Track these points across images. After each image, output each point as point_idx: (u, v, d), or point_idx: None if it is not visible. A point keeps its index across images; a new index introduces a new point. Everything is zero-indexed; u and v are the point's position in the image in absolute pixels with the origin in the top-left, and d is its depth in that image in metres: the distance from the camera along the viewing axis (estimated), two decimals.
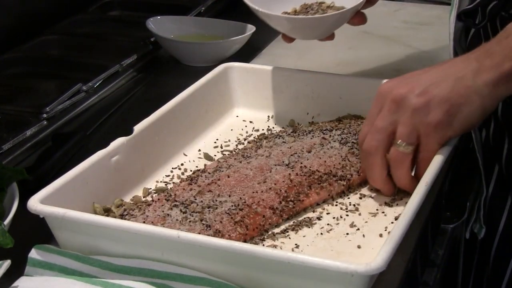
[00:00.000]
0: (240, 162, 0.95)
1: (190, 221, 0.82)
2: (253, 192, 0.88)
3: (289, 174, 0.91)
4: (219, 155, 1.03)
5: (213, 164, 0.97)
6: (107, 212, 0.88)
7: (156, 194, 0.92)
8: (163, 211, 0.85)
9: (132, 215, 0.86)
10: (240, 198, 0.87)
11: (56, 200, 0.81)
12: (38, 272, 0.78)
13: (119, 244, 0.78)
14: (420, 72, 0.89)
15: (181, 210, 0.84)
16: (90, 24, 1.54)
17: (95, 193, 0.88)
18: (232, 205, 0.85)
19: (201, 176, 0.93)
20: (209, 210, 0.84)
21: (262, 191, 0.88)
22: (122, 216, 0.86)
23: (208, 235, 0.80)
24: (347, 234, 0.85)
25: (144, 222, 0.83)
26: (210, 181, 0.90)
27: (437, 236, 1.06)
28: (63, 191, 0.83)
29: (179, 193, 0.89)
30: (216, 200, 0.86)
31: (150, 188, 0.94)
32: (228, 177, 0.91)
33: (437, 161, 0.88)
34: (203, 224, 0.82)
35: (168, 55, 1.41)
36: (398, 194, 0.92)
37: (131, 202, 0.91)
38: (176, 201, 0.87)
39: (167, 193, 0.90)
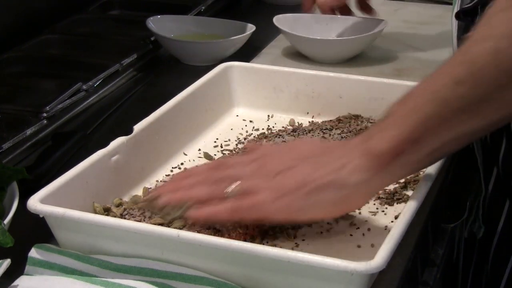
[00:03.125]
0: None
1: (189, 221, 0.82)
2: None
3: None
4: (219, 155, 1.03)
5: None
6: (107, 211, 0.87)
7: None
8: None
9: (132, 214, 0.86)
10: None
11: (56, 199, 0.81)
12: (38, 271, 0.78)
13: (119, 243, 0.78)
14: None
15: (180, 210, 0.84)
16: (90, 24, 1.53)
17: (95, 193, 0.88)
18: None
19: None
20: None
21: None
22: (122, 216, 0.86)
23: (208, 234, 0.80)
24: (347, 233, 0.85)
25: (143, 221, 0.83)
26: None
27: (437, 236, 1.06)
28: (63, 190, 0.83)
29: None
30: None
31: (150, 188, 0.94)
32: None
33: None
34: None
35: (168, 55, 1.41)
36: (399, 193, 0.92)
37: (131, 201, 0.90)
38: None
39: None
